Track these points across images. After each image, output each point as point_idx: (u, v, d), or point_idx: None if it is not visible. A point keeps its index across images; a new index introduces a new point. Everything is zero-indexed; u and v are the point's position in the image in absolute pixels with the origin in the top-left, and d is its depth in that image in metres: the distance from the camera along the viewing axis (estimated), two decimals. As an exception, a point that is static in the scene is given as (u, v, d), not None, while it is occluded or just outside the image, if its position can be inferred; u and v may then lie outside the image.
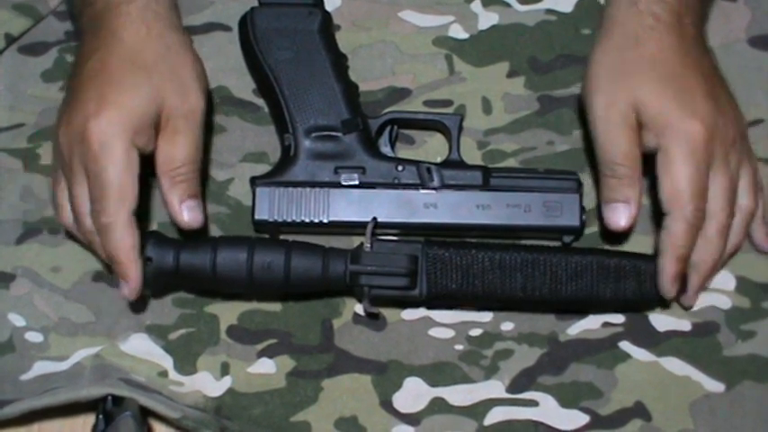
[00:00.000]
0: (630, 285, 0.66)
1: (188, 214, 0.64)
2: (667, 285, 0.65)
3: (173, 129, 0.64)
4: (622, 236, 0.69)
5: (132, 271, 0.63)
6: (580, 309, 0.68)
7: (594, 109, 0.64)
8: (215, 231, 0.70)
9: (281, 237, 0.70)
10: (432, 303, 0.68)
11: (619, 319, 0.69)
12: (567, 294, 0.66)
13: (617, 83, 0.64)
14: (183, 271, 0.65)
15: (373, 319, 0.69)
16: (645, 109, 0.63)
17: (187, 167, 0.64)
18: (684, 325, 0.69)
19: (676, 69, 0.64)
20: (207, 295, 0.69)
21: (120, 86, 0.63)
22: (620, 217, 0.64)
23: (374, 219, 0.67)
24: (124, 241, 0.62)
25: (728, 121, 0.65)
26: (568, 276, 0.66)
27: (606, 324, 0.69)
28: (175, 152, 0.64)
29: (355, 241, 0.70)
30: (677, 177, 0.62)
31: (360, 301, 0.67)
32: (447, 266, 0.66)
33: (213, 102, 0.73)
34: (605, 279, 0.66)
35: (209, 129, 0.71)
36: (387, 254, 0.66)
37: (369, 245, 0.66)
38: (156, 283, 0.65)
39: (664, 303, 0.68)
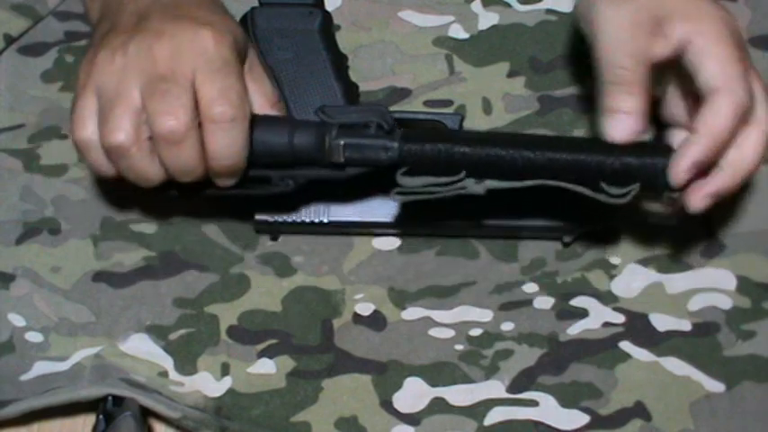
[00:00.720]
0: (633, 162, 0.59)
1: None
2: (684, 167, 0.58)
3: (258, 71, 0.64)
4: None
5: (245, 163, 0.60)
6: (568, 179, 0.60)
7: (602, 10, 0.61)
8: (215, 231, 0.70)
9: (282, 235, 0.70)
10: (409, 172, 0.61)
11: (619, 318, 0.69)
12: (559, 162, 0.59)
13: None
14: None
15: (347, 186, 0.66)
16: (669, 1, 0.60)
17: (281, 98, 0.65)
18: (685, 325, 0.69)
19: None
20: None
21: (219, 12, 0.63)
22: (615, 127, 0.59)
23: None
24: (244, 135, 0.59)
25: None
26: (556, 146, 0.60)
27: (606, 324, 0.69)
28: (268, 87, 0.64)
29: (355, 241, 0.70)
30: (723, 55, 0.58)
31: (330, 163, 0.61)
32: (425, 132, 0.62)
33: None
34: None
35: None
36: (357, 109, 0.62)
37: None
38: None
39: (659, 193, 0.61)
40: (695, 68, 0.59)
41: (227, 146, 0.59)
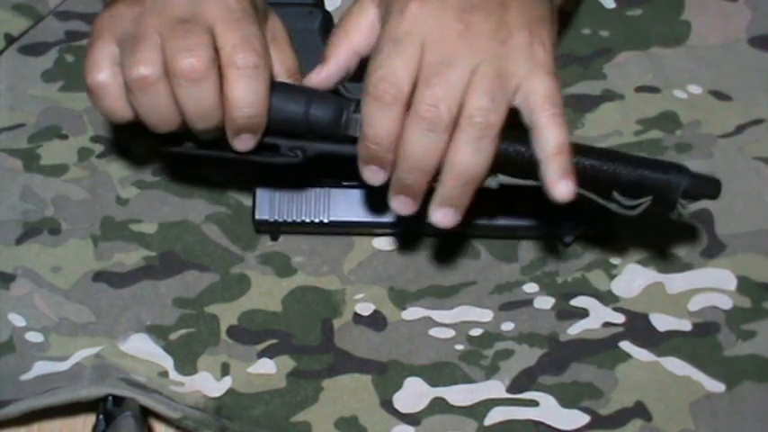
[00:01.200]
0: None
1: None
2: (362, 169, 0.58)
3: (281, 41, 0.63)
4: None
5: (266, 119, 0.59)
6: None
7: None
8: (216, 231, 0.70)
9: (282, 235, 0.70)
10: None
11: (619, 318, 0.69)
12: None
13: None
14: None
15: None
16: None
17: (301, 71, 0.63)
18: (685, 325, 0.69)
19: None
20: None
21: None
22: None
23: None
24: (267, 85, 0.58)
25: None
26: None
27: (606, 324, 0.69)
28: (290, 58, 0.63)
29: (355, 241, 0.70)
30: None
31: (344, 137, 0.60)
32: None
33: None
34: None
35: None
36: None
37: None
38: None
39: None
40: None
41: (250, 93, 0.57)
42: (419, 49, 0.55)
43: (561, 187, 0.55)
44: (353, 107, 0.59)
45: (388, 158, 0.57)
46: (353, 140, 0.59)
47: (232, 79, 0.57)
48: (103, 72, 0.58)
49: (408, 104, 0.55)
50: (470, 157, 0.55)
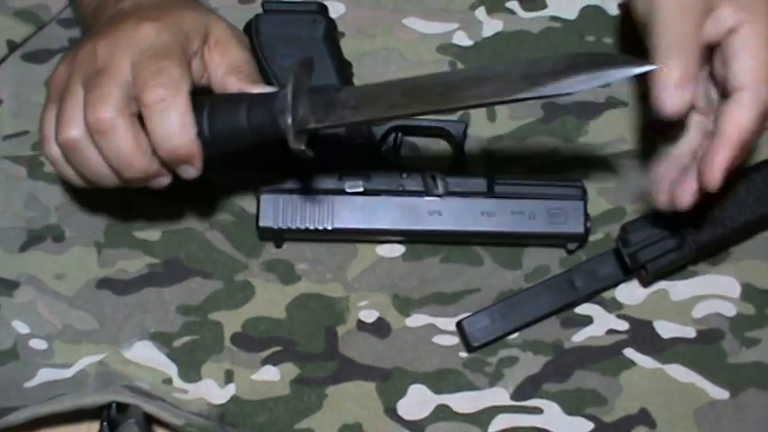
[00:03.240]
0: None
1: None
2: (719, 172, 0.58)
3: (224, 43, 0.62)
4: None
5: (196, 147, 0.58)
6: None
7: None
8: (220, 238, 0.70)
9: (286, 243, 0.70)
10: None
11: (623, 326, 0.69)
12: None
13: None
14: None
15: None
16: None
17: (249, 66, 0.62)
18: (689, 332, 0.69)
19: None
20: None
21: (172, 7, 0.61)
22: (666, 102, 0.58)
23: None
24: (183, 115, 0.57)
25: None
26: None
27: (611, 331, 0.69)
28: (233, 56, 0.62)
29: (359, 248, 0.70)
30: (760, 52, 0.58)
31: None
32: None
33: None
34: None
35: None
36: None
37: None
38: None
39: None
40: (731, 57, 0.59)
41: (164, 128, 0.57)
42: None
43: None
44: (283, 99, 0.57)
45: None
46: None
47: (146, 119, 0.57)
48: (53, 147, 0.59)
49: None
50: None
